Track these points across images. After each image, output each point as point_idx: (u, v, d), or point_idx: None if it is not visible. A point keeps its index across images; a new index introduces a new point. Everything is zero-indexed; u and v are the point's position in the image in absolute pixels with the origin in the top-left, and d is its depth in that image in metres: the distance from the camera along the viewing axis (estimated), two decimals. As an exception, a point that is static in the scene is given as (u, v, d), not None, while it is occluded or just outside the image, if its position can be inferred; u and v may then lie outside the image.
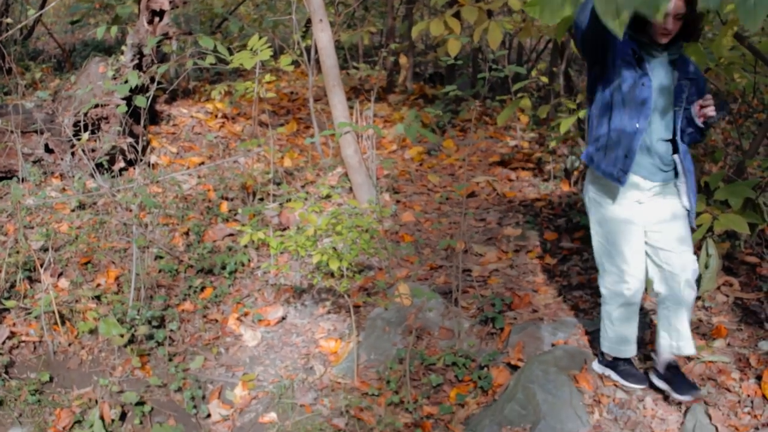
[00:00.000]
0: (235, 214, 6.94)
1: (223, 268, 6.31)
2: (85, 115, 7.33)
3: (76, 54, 11.72)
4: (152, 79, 7.36)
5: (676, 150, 4.16)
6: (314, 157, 8.06)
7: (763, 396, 4.38)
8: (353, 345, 5.43)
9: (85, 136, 6.96)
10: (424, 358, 5.29)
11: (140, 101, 6.79)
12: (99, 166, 7.16)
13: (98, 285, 6.03)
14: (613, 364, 4.66)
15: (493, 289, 5.87)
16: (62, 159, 7.26)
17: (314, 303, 6.02)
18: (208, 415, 5.31)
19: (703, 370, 4.70)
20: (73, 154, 7.29)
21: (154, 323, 5.74)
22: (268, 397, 5.29)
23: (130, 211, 6.50)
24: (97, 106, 7.39)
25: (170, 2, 7.78)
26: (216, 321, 5.96)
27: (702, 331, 5.10)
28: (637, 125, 4.03)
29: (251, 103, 9.05)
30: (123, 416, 5.19)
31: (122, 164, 7.39)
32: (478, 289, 5.89)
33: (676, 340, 4.33)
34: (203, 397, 5.40)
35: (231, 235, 6.65)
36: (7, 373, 5.29)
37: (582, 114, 7.12)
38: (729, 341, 4.94)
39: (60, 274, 6.08)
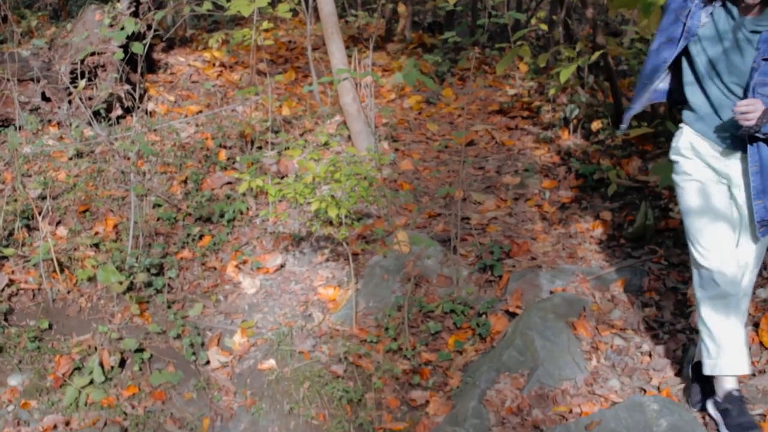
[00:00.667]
0: (234, 163, 6.92)
1: (222, 216, 6.30)
2: (82, 62, 7.27)
3: (72, 2, 11.59)
4: (149, 27, 7.29)
5: None
6: (312, 105, 8.00)
7: (761, 343, 4.39)
8: (352, 292, 5.43)
9: (82, 83, 6.91)
10: (423, 306, 5.31)
11: (137, 48, 6.72)
12: (96, 114, 7.12)
13: (96, 233, 6.02)
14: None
15: (491, 237, 5.87)
16: (59, 107, 7.22)
17: (313, 251, 6.02)
18: (207, 362, 5.33)
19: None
20: (70, 102, 7.24)
21: (153, 271, 5.74)
22: (266, 344, 5.30)
23: (128, 159, 6.47)
24: (93, 53, 7.32)
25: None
26: (214, 269, 5.96)
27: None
28: None
29: (249, 51, 8.97)
30: (122, 363, 5.21)
31: (119, 112, 7.34)
32: (477, 236, 5.89)
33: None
34: (202, 344, 5.42)
35: (229, 183, 6.63)
36: (6, 320, 5.30)
37: (581, 62, 7.07)
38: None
39: (58, 222, 6.07)
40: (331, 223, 5.99)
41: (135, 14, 7.62)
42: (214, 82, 8.39)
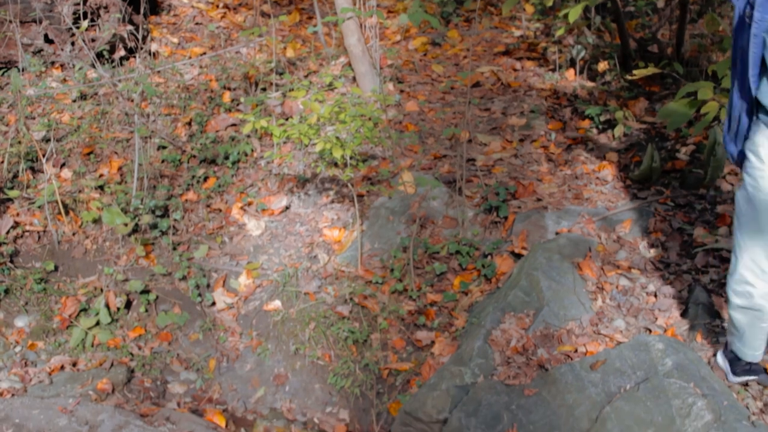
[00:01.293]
0: (238, 104, 6.88)
1: (226, 158, 6.28)
2: (84, 3, 7.20)
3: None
4: (151, -33, 7.23)
5: None
6: (317, 47, 7.94)
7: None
8: (357, 234, 5.43)
9: (85, 24, 6.84)
10: (428, 247, 5.30)
11: (139, -12, 6.67)
12: (99, 55, 7.06)
13: (101, 175, 6.01)
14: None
15: (497, 178, 5.84)
16: (62, 49, 7.16)
17: (318, 192, 6.00)
18: (213, 303, 5.35)
19: (707, 260, 4.70)
20: (73, 43, 7.18)
21: (158, 213, 5.74)
22: (272, 285, 5.32)
23: (132, 101, 6.43)
24: (95, -7, 7.26)
25: None
26: (219, 211, 5.96)
27: (706, 219, 5.09)
28: None
29: (252, -8, 8.89)
30: (128, 304, 5.24)
31: (123, 53, 7.29)
32: (482, 178, 5.86)
33: None
34: (208, 286, 5.44)
35: (234, 125, 6.60)
36: (12, 262, 5.32)
37: (589, 2, 6.97)
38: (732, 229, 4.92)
39: (63, 165, 6.06)
40: (336, 165, 5.96)
41: (137, -46, 7.54)
42: (217, 24, 8.32)
